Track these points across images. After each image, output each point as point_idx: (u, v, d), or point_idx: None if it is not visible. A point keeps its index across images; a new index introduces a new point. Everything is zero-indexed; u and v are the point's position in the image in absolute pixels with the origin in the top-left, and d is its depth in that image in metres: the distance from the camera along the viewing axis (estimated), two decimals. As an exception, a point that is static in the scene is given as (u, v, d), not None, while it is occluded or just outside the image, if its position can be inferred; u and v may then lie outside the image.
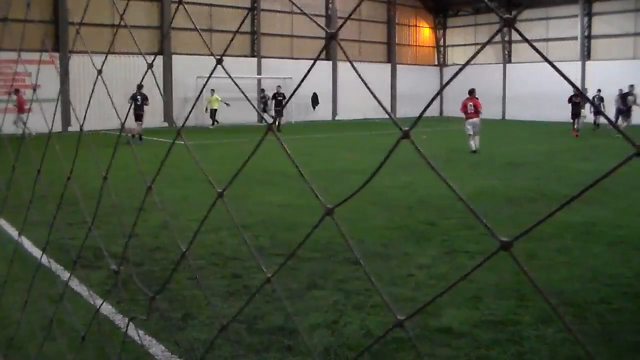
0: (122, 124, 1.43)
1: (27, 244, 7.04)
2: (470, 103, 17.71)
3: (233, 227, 7.85)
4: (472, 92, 18.01)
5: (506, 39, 38.97)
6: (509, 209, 9.32)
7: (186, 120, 1.31)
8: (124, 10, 1.30)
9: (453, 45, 42.68)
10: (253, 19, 33.38)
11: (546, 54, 36.56)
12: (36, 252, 6.78)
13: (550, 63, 0.72)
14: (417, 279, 5.93)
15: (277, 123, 25.51)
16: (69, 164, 1.85)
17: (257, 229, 7.92)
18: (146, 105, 21.13)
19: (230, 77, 1.17)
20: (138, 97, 20.82)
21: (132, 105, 19.88)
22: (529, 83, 36.20)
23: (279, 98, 26.47)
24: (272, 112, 27.01)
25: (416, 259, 6.60)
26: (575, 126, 24.16)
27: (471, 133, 17.50)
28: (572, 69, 33.73)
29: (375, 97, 0.96)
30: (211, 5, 31.02)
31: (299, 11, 34.17)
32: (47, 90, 24.44)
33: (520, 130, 28.14)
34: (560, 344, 4.43)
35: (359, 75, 0.82)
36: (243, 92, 1.20)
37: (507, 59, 38.82)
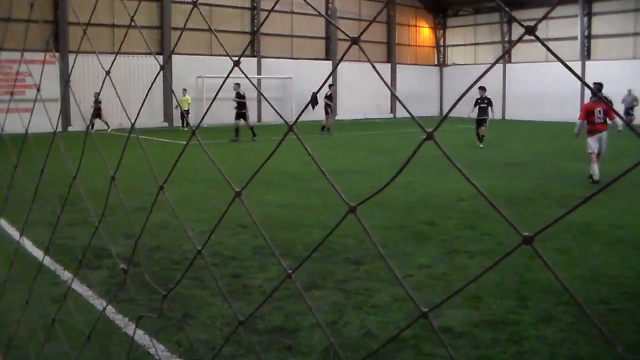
0: (132, 124, 1.43)
1: (27, 243, 7.04)
2: (598, 108, 12.05)
3: (233, 227, 7.85)
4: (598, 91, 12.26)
5: (506, 39, 38.96)
6: (509, 209, 9.32)
7: (201, 120, 1.31)
8: (135, 11, 1.30)
9: (453, 45, 42.69)
10: (253, 19, 33.38)
11: (546, 54, 36.51)
12: (36, 252, 6.78)
13: (578, 77, 0.73)
14: (417, 279, 5.93)
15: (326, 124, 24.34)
16: (69, 163, 1.85)
17: (257, 229, 7.91)
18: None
19: (247, 78, 1.17)
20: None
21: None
22: (529, 83, 36.23)
23: (327, 101, 24.30)
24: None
25: (416, 259, 6.60)
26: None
27: (595, 151, 12.03)
28: (572, 69, 33.72)
29: (402, 104, 0.97)
30: (211, 5, 31.03)
31: (298, 11, 34.18)
32: (47, 90, 24.42)
33: (520, 130, 28.13)
34: (560, 344, 4.43)
35: (383, 79, 0.83)
36: (262, 94, 1.19)
37: (507, 59, 38.80)
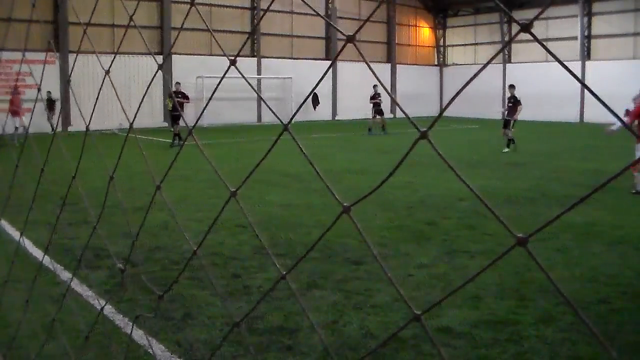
0: (131, 124, 1.44)
1: (27, 243, 7.03)
2: None
3: (233, 227, 7.85)
4: None
5: (506, 39, 38.94)
6: (509, 209, 9.32)
7: (197, 120, 1.31)
8: (134, 10, 1.30)
9: (453, 45, 42.68)
10: (252, 19, 33.37)
11: (546, 54, 36.44)
12: (36, 252, 6.77)
13: (576, 77, 0.73)
14: (417, 279, 5.93)
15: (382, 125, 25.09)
16: (69, 163, 1.85)
17: (257, 228, 7.91)
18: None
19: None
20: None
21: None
22: (529, 83, 36.18)
23: (379, 99, 25.46)
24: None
25: (416, 259, 6.60)
26: None
27: None
28: (572, 69, 33.62)
29: (392, 97, 0.97)
30: (211, 5, 31.01)
31: (298, 11, 34.18)
32: (47, 90, 24.43)
33: (520, 130, 28.10)
34: (560, 344, 4.43)
35: (375, 74, 0.83)
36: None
37: (507, 59, 38.80)
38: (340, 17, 35.44)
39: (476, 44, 41.10)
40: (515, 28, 38.65)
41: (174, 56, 29.54)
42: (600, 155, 16.91)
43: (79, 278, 5.85)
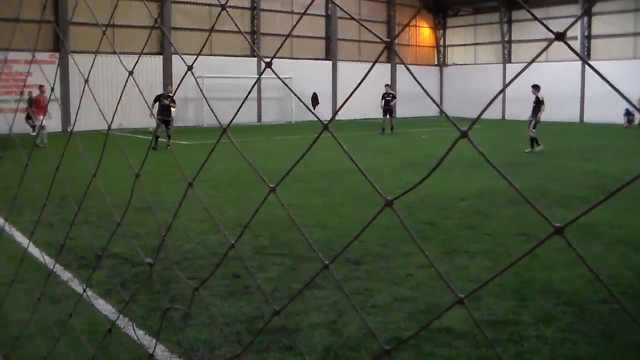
0: (158, 124, 1.44)
1: (27, 243, 7.04)
2: None
3: (234, 227, 7.86)
4: None
5: (506, 39, 38.96)
6: (510, 209, 9.33)
7: (232, 119, 1.31)
8: (159, 14, 1.30)
9: (453, 45, 42.68)
10: (253, 19, 33.40)
11: (546, 53, 36.46)
12: (36, 252, 6.78)
13: (612, 85, 0.74)
14: (417, 279, 5.94)
15: (390, 124, 25.51)
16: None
17: (257, 228, 7.93)
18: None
19: (280, 78, 1.18)
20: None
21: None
22: (529, 83, 36.20)
23: (388, 98, 25.92)
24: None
25: (416, 259, 6.60)
26: None
27: None
28: (572, 69, 33.76)
29: (433, 99, 0.97)
30: (211, 5, 31.03)
31: (298, 11, 34.19)
32: (48, 90, 24.39)
33: (520, 130, 28.12)
34: (560, 344, 4.44)
35: (415, 79, 0.84)
36: (295, 94, 1.20)
37: (507, 59, 38.79)
38: (341, 18, 35.46)
39: (476, 44, 41.11)
40: (519, 30, 38.69)
41: (173, 56, 29.56)
42: (600, 155, 16.92)
43: (80, 278, 5.85)
